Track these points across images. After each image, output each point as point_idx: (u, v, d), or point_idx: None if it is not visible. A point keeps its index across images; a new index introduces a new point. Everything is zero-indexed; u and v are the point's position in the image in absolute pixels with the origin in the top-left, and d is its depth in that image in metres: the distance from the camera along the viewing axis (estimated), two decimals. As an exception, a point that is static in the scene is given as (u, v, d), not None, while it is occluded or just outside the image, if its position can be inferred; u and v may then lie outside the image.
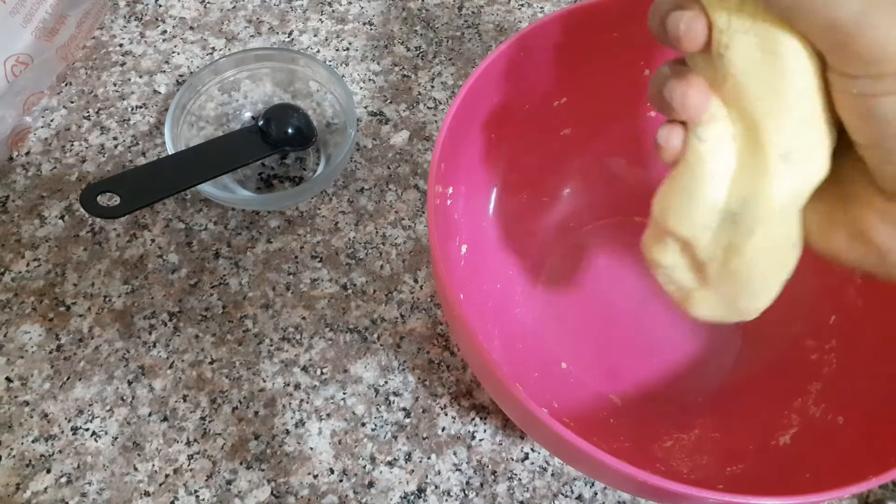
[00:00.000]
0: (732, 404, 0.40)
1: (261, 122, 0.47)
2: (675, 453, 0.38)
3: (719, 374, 0.42)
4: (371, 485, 0.40)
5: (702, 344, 0.43)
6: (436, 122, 0.51)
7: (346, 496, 0.40)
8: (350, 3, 0.57)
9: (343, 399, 0.42)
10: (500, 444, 0.41)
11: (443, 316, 0.45)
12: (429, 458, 0.41)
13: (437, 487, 0.40)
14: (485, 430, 0.42)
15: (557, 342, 0.43)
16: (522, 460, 0.41)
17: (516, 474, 0.41)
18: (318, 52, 0.54)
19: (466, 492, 0.40)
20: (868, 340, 0.38)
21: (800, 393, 0.38)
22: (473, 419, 0.42)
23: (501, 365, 0.39)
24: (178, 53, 0.54)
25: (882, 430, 0.33)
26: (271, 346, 0.44)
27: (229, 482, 0.40)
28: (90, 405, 0.42)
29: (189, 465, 0.40)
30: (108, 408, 0.42)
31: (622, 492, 0.40)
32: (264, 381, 0.43)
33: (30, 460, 0.40)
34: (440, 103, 0.52)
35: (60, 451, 0.40)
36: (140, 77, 0.53)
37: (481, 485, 0.40)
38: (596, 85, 0.42)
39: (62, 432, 0.41)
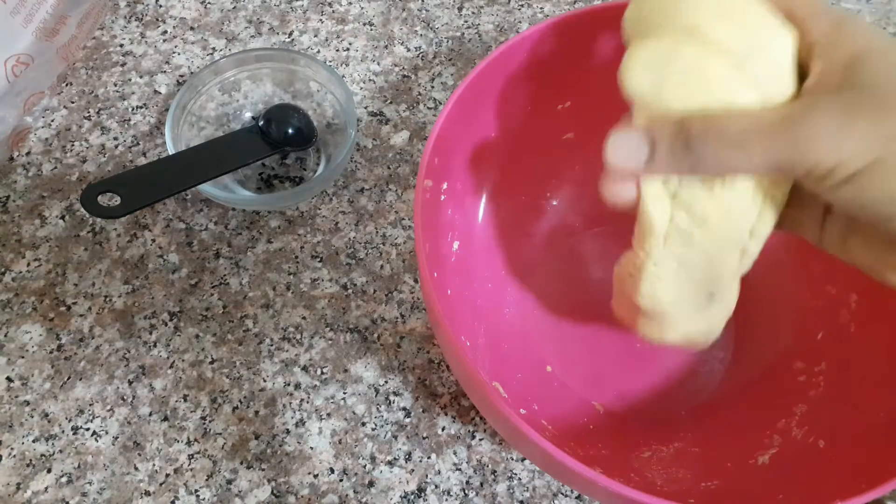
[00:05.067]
0: (716, 420, 0.40)
1: (261, 123, 0.47)
2: (652, 464, 0.38)
3: (705, 390, 0.42)
4: (371, 484, 0.40)
5: (690, 358, 0.43)
6: (436, 122, 0.51)
7: (347, 496, 0.40)
8: (350, 3, 0.57)
9: (343, 399, 0.42)
10: (501, 443, 0.41)
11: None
12: (429, 457, 0.41)
13: (437, 487, 0.40)
14: (485, 430, 0.42)
15: (544, 345, 0.43)
16: (522, 460, 0.41)
17: (516, 474, 0.41)
18: (319, 52, 0.54)
19: (466, 491, 0.40)
20: (858, 366, 0.37)
21: (784, 414, 0.38)
22: (473, 419, 0.42)
23: (483, 362, 0.39)
24: (179, 54, 0.54)
25: (861, 456, 0.33)
26: (272, 345, 0.44)
27: (230, 482, 0.40)
28: (91, 405, 0.42)
29: (189, 464, 0.40)
30: (108, 407, 0.42)
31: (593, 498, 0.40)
32: (265, 380, 0.43)
33: (30, 460, 0.40)
34: (440, 103, 0.52)
35: (61, 451, 0.40)
36: (140, 77, 0.53)
37: (481, 484, 0.40)
38: (601, 91, 0.41)
39: (63, 432, 0.41)
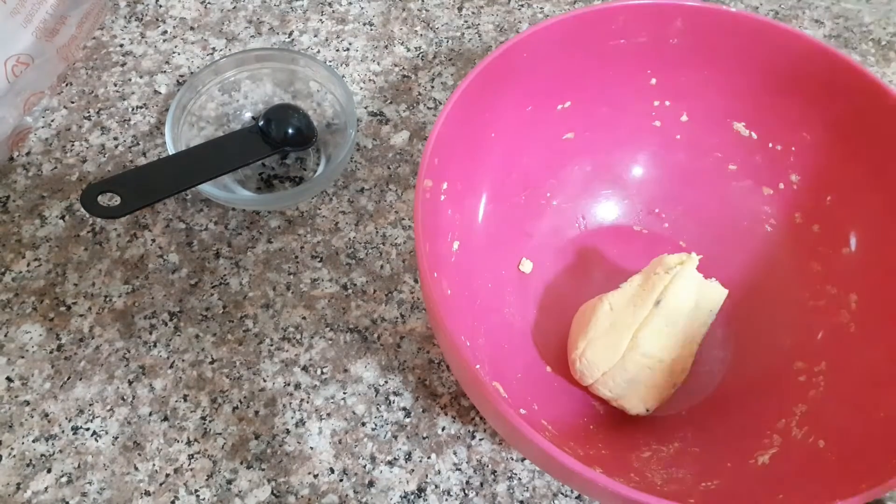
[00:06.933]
0: (716, 420, 0.40)
1: (261, 123, 0.47)
2: (651, 464, 0.38)
3: (705, 390, 0.42)
4: (371, 484, 0.40)
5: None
6: (436, 122, 0.51)
7: (347, 496, 0.40)
8: (350, 3, 0.57)
9: (343, 399, 0.42)
10: (500, 443, 0.41)
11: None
12: (429, 457, 0.41)
13: (437, 487, 0.40)
14: (485, 430, 0.42)
15: (544, 345, 0.43)
16: (522, 460, 0.41)
17: (516, 474, 0.41)
18: (319, 52, 0.54)
19: (466, 491, 0.40)
20: (858, 366, 0.37)
21: (784, 414, 0.38)
22: (473, 419, 0.42)
23: (483, 362, 0.39)
24: (179, 54, 0.54)
25: (861, 456, 0.33)
26: (272, 345, 0.44)
27: (230, 482, 0.40)
28: (91, 405, 0.42)
29: (189, 464, 0.40)
30: (108, 407, 0.42)
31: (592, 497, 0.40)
32: (265, 380, 0.43)
33: (30, 460, 0.40)
34: (440, 103, 0.52)
35: (61, 451, 0.40)
36: (140, 77, 0.53)
37: (481, 484, 0.40)
38: (601, 91, 0.42)
39: (63, 432, 0.41)
